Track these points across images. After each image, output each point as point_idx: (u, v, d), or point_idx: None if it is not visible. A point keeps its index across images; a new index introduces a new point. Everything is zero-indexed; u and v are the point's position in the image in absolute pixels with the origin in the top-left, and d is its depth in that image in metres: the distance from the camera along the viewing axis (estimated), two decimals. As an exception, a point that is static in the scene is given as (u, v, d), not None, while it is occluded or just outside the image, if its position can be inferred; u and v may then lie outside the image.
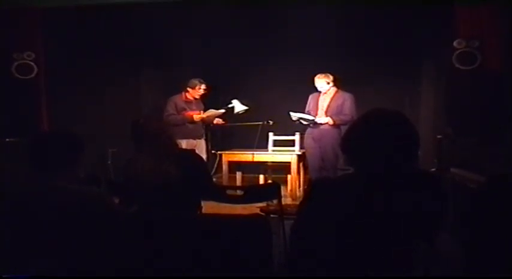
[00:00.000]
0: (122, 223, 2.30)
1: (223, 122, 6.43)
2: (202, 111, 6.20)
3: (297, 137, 6.22)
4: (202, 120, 6.21)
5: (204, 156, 6.12)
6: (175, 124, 5.90)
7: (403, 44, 6.86)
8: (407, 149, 1.84)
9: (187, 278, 2.17)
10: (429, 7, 5.77)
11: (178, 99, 6.15)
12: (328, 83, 5.80)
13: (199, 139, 6.24)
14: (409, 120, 1.89)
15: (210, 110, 6.25)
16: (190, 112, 6.12)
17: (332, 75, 5.83)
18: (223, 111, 6.26)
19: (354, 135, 1.90)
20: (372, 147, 1.82)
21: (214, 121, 6.37)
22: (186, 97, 6.16)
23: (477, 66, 5.31)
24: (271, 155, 6.24)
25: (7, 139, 5.51)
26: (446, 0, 5.57)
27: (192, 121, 6.12)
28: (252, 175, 6.69)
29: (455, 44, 5.34)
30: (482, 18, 5.41)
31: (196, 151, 5.74)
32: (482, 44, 5.30)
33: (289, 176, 6.15)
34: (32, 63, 5.89)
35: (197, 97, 6.16)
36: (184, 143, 5.93)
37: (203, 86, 6.10)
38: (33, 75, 5.90)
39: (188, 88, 6.11)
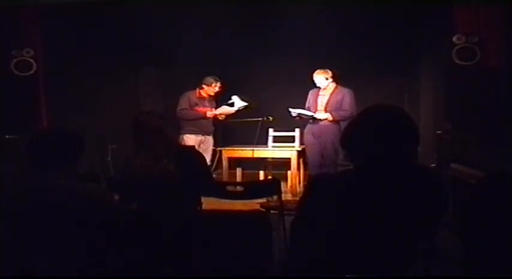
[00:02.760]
0: (121, 219, 2.30)
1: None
2: (214, 108, 6.29)
3: (296, 133, 6.22)
4: (215, 116, 6.27)
5: (210, 152, 6.23)
6: (188, 119, 6.12)
7: (403, 39, 6.85)
8: (407, 145, 1.84)
9: (186, 278, 2.17)
10: (428, 3, 5.76)
11: (192, 95, 6.25)
12: (327, 79, 5.80)
13: (209, 135, 6.33)
14: (409, 115, 1.89)
15: (223, 107, 6.29)
16: (203, 108, 6.18)
17: (331, 70, 5.83)
18: (235, 108, 6.30)
19: (353, 131, 1.90)
20: (371, 143, 1.82)
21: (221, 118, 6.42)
22: (199, 94, 6.24)
23: (476, 62, 5.31)
24: (271, 151, 6.24)
25: (6, 136, 5.51)
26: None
27: (204, 117, 6.19)
28: (252, 171, 6.68)
29: (454, 39, 5.34)
30: (481, 14, 5.42)
31: (204, 147, 5.91)
32: (481, 39, 5.30)
33: (289, 172, 6.15)
34: (31, 60, 5.89)
35: (211, 94, 6.26)
36: (193, 139, 6.09)
37: (219, 84, 6.19)
38: (32, 72, 5.89)
39: (203, 85, 6.20)
